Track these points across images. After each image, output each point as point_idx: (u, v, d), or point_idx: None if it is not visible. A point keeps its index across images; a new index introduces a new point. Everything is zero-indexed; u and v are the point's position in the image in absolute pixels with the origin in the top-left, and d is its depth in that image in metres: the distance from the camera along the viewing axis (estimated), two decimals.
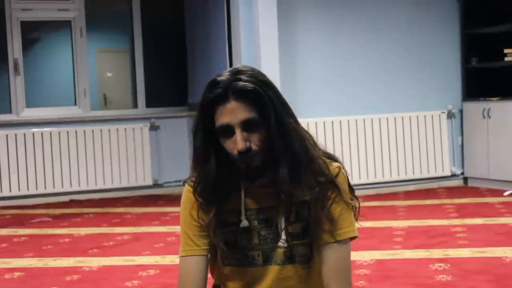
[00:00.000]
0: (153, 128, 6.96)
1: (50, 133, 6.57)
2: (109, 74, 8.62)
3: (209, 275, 1.74)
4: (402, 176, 6.33)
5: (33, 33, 7.45)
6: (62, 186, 6.58)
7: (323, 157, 1.65)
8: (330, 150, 1.72)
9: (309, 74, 6.09)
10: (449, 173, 6.48)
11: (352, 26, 6.23)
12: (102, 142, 6.71)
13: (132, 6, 7.20)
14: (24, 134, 6.49)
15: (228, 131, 1.55)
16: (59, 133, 6.59)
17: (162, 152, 6.99)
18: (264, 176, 1.60)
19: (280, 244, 1.64)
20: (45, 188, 6.52)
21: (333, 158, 1.68)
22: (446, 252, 3.81)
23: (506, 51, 6.07)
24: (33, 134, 6.51)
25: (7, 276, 3.69)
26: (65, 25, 7.09)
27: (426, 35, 6.46)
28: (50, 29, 7.80)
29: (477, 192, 6.10)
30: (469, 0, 6.40)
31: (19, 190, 6.46)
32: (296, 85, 5.99)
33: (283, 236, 1.63)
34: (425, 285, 3.20)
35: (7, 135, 6.44)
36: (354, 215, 1.67)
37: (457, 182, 6.55)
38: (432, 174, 6.43)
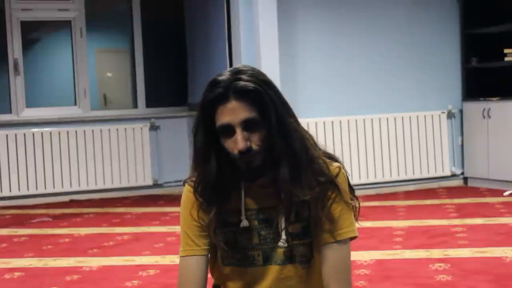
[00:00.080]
0: (153, 128, 6.96)
1: (50, 133, 6.57)
2: (109, 74, 8.62)
3: (209, 275, 1.74)
4: (402, 176, 6.33)
5: (33, 33, 7.45)
6: (62, 186, 6.58)
7: (323, 157, 1.65)
8: (330, 150, 1.72)
9: (309, 74, 6.09)
10: (449, 173, 6.48)
11: (352, 26, 6.23)
12: (102, 142, 6.71)
13: (132, 6, 7.20)
14: (24, 134, 6.49)
15: (229, 130, 1.55)
16: (59, 133, 6.59)
17: (162, 152, 6.99)
18: (264, 176, 1.60)
19: (280, 244, 1.64)
20: (45, 188, 6.53)
21: (333, 158, 1.68)
22: (446, 252, 3.81)
23: (506, 51, 6.07)
24: (33, 134, 6.51)
25: (7, 276, 3.69)
26: (65, 25, 7.09)
27: (426, 35, 6.46)
28: (50, 29, 7.80)
29: (477, 192, 6.10)
30: (469, 0, 6.40)
31: (19, 190, 6.46)
32: (296, 85, 5.99)
33: (283, 236, 1.63)
34: (425, 285, 3.20)
35: (7, 135, 6.44)
36: (354, 215, 1.67)
37: (457, 182, 6.56)
38: (432, 174, 6.43)
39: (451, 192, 6.16)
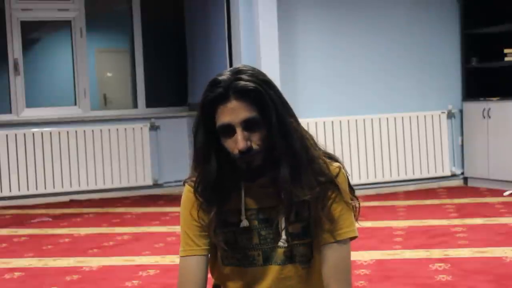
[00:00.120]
0: (153, 128, 6.96)
1: (50, 133, 6.57)
2: (109, 74, 8.62)
3: (209, 275, 1.74)
4: (402, 176, 6.33)
5: (33, 33, 7.45)
6: (62, 186, 6.58)
7: (324, 157, 1.65)
8: (330, 150, 1.72)
9: (309, 74, 6.09)
10: (449, 173, 6.48)
11: (352, 26, 6.23)
12: (102, 142, 6.71)
13: (132, 6, 7.20)
14: (24, 134, 6.49)
15: (229, 130, 1.55)
16: (59, 133, 6.59)
17: (162, 152, 6.99)
18: (264, 175, 1.60)
19: (280, 244, 1.64)
20: (45, 188, 6.53)
21: (333, 158, 1.68)
22: (446, 252, 3.81)
23: (506, 51, 6.07)
24: (33, 134, 6.51)
25: (7, 276, 3.69)
26: (65, 25, 7.09)
27: (426, 35, 6.46)
28: (50, 29, 7.80)
29: (477, 192, 6.10)
30: (469, 0, 6.40)
31: (19, 190, 6.46)
32: (296, 85, 5.99)
33: (283, 236, 1.63)
34: (425, 285, 3.20)
35: (7, 135, 6.44)
36: (354, 215, 1.67)
37: (457, 182, 6.55)
38: (432, 174, 6.43)
39: (451, 192, 6.16)
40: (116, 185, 6.74)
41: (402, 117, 6.33)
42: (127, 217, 5.57)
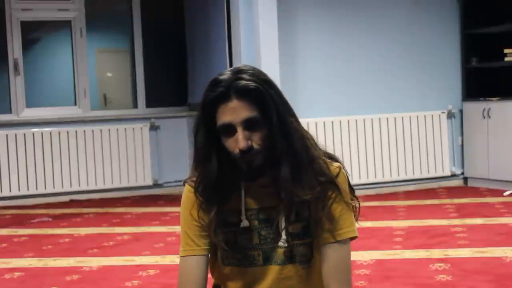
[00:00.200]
0: (153, 128, 6.96)
1: (50, 133, 6.57)
2: (109, 74, 8.62)
3: (209, 275, 1.74)
4: (402, 176, 6.33)
5: (33, 33, 7.45)
6: (62, 186, 6.58)
7: (324, 157, 1.65)
8: (330, 150, 1.72)
9: (309, 74, 6.09)
10: (449, 173, 6.48)
11: (352, 26, 6.23)
12: (102, 142, 6.71)
13: (132, 6, 7.20)
14: (24, 134, 6.49)
15: (230, 130, 1.55)
16: (59, 133, 6.59)
17: (162, 152, 6.99)
18: (265, 175, 1.59)
19: (280, 244, 1.64)
20: (45, 188, 6.53)
21: (333, 158, 1.68)
22: (446, 252, 3.81)
23: (506, 51, 6.07)
24: (33, 134, 6.51)
25: (7, 276, 3.69)
26: (65, 25, 7.09)
27: (426, 35, 6.46)
28: (50, 29, 7.80)
29: (477, 192, 6.10)
30: (469, 0, 6.40)
31: (19, 190, 6.46)
32: (296, 85, 5.99)
33: (284, 236, 1.63)
34: (425, 285, 3.20)
35: (7, 135, 6.44)
36: (354, 215, 1.67)
37: (457, 182, 6.55)
38: (432, 174, 6.43)
39: (451, 192, 6.16)
40: (116, 185, 6.74)
41: (402, 117, 6.33)
42: (127, 217, 5.57)
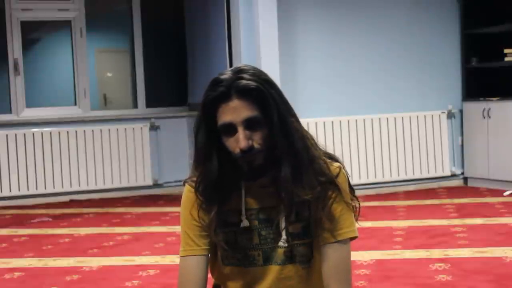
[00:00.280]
0: (153, 128, 6.96)
1: (50, 133, 6.57)
2: (109, 74, 8.62)
3: (209, 275, 1.74)
4: (402, 176, 6.33)
5: (33, 33, 7.45)
6: (62, 186, 6.58)
7: (324, 157, 1.65)
8: (330, 150, 1.72)
9: (309, 74, 6.09)
10: (449, 173, 6.48)
11: (352, 26, 6.23)
12: (102, 142, 6.71)
13: (132, 6, 7.20)
14: (24, 134, 6.49)
15: (231, 129, 1.55)
16: (59, 133, 6.59)
17: (162, 152, 6.99)
18: (265, 175, 1.60)
19: (280, 244, 1.64)
20: (45, 188, 6.52)
21: (333, 158, 1.68)
22: (446, 252, 3.81)
23: (506, 51, 6.07)
24: (33, 134, 6.51)
25: (7, 276, 3.69)
26: (65, 25, 7.09)
27: (426, 35, 6.46)
28: (50, 29, 7.80)
29: (477, 192, 6.10)
30: (469, 0, 6.40)
31: (19, 190, 6.46)
32: (296, 85, 5.99)
33: (284, 236, 1.63)
34: (425, 285, 3.20)
35: (7, 135, 6.44)
36: (354, 215, 1.67)
37: (457, 182, 6.55)
38: (432, 174, 6.43)
39: (451, 192, 6.16)
40: (116, 185, 6.74)
41: (402, 117, 6.33)
42: (127, 217, 5.57)
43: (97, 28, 7.66)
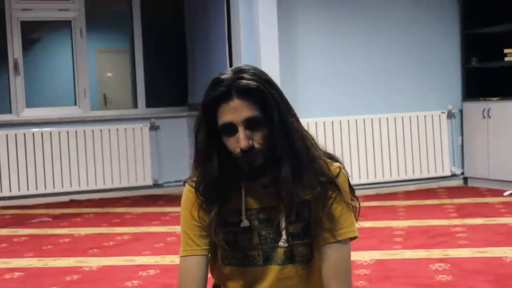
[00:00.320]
0: (153, 128, 6.96)
1: (50, 133, 6.57)
2: (109, 74, 8.62)
3: (209, 275, 1.74)
4: (402, 176, 6.33)
5: (33, 33, 7.45)
6: (62, 186, 6.58)
7: (324, 157, 1.65)
8: (330, 150, 1.72)
9: (309, 74, 6.09)
10: (449, 173, 6.48)
11: (352, 26, 6.23)
12: (102, 142, 6.71)
13: (132, 6, 7.20)
14: (24, 134, 6.49)
15: (231, 129, 1.55)
16: (59, 133, 6.59)
17: (162, 152, 6.99)
18: (266, 175, 1.60)
19: (280, 243, 1.64)
20: (45, 188, 6.52)
21: (333, 158, 1.68)
22: (446, 252, 3.81)
23: (506, 51, 6.07)
24: (33, 134, 6.51)
25: (7, 276, 3.69)
26: (65, 25, 7.09)
27: (426, 35, 6.46)
28: (50, 29, 7.80)
29: (477, 192, 6.10)
30: (469, 0, 6.40)
31: (19, 190, 6.46)
32: (296, 85, 5.99)
33: (284, 236, 1.63)
34: (425, 285, 3.20)
35: (7, 135, 6.44)
36: (354, 216, 1.68)
37: (457, 182, 6.55)
38: (432, 174, 6.43)
39: (451, 192, 6.16)
40: (116, 185, 6.74)
41: (402, 117, 6.33)
42: (127, 217, 5.57)
43: (97, 28, 7.66)
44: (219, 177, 1.60)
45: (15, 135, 6.46)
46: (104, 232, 4.93)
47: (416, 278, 3.31)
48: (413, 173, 6.36)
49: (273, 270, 1.66)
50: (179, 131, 7.02)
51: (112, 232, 4.89)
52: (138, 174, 6.82)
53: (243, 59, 5.52)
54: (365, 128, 6.21)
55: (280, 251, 1.65)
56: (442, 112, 6.46)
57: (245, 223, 1.64)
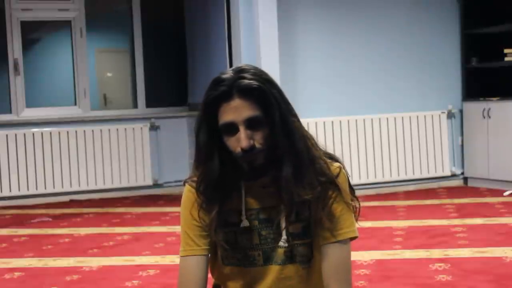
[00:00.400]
0: (153, 128, 6.96)
1: (50, 133, 6.57)
2: (109, 74, 8.62)
3: (209, 275, 1.74)
4: (402, 176, 6.33)
5: (33, 33, 7.45)
6: (62, 186, 6.58)
7: (324, 157, 1.65)
8: (330, 150, 1.72)
9: (309, 74, 6.09)
10: (449, 173, 6.48)
11: (352, 26, 6.23)
12: (102, 142, 6.71)
13: (132, 6, 7.20)
14: (24, 134, 6.49)
15: (232, 129, 1.55)
16: (59, 133, 6.59)
17: (162, 152, 6.99)
18: (266, 175, 1.60)
19: (280, 243, 1.64)
20: (45, 188, 6.52)
21: (333, 158, 1.68)
22: (446, 252, 3.81)
23: (506, 51, 6.07)
24: (33, 134, 6.51)
25: (7, 276, 3.69)
26: (65, 25, 7.09)
27: (426, 35, 6.46)
28: (50, 29, 7.80)
29: (477, 192, 6.10)
30: (469, 0, 6.40)
31: (19, 190, 6.46)
32: (296, 85, 5.99)
33: (284, 236, 1.63)
34: (425, 285, 3.20)
35: (7, 135, 6.44)
36: (355, 216, 1.68)
37: (457, 182, 6.55)
38: (432, 174, 6.43)
39: (451, 192, 6.16)
40: (116, 185, 6.74)
41: (402, 117, 6.34)
42: (127, 217, 5.57)
43: (97, 28, 7.66)
44: (219, 176, 1.60)
45: (15, 135, 6.46)
46: (104, 232, 4.93)
47: (416, 278, 3.31)
48: (413, 173, 6.36)
49: (273, 270, 1.66)
50: (179, 131, 7.02)
51: (112, 232, 4.89)
52: (138, 174, 6.82)
53: (243, 59, 5.53)
54: (365, 128, 6.21)
55: (280, 251, 1.65)
56: (442, 112, 6.46)
57: (245, 223, 1.64)
